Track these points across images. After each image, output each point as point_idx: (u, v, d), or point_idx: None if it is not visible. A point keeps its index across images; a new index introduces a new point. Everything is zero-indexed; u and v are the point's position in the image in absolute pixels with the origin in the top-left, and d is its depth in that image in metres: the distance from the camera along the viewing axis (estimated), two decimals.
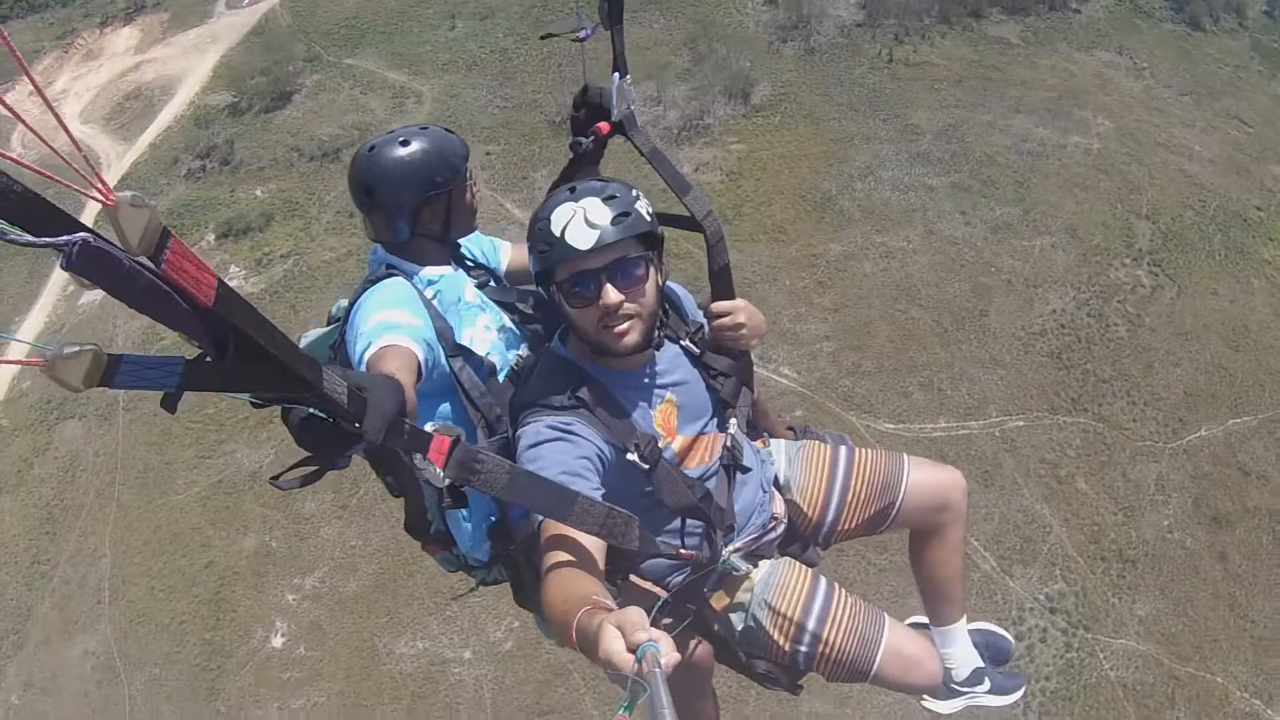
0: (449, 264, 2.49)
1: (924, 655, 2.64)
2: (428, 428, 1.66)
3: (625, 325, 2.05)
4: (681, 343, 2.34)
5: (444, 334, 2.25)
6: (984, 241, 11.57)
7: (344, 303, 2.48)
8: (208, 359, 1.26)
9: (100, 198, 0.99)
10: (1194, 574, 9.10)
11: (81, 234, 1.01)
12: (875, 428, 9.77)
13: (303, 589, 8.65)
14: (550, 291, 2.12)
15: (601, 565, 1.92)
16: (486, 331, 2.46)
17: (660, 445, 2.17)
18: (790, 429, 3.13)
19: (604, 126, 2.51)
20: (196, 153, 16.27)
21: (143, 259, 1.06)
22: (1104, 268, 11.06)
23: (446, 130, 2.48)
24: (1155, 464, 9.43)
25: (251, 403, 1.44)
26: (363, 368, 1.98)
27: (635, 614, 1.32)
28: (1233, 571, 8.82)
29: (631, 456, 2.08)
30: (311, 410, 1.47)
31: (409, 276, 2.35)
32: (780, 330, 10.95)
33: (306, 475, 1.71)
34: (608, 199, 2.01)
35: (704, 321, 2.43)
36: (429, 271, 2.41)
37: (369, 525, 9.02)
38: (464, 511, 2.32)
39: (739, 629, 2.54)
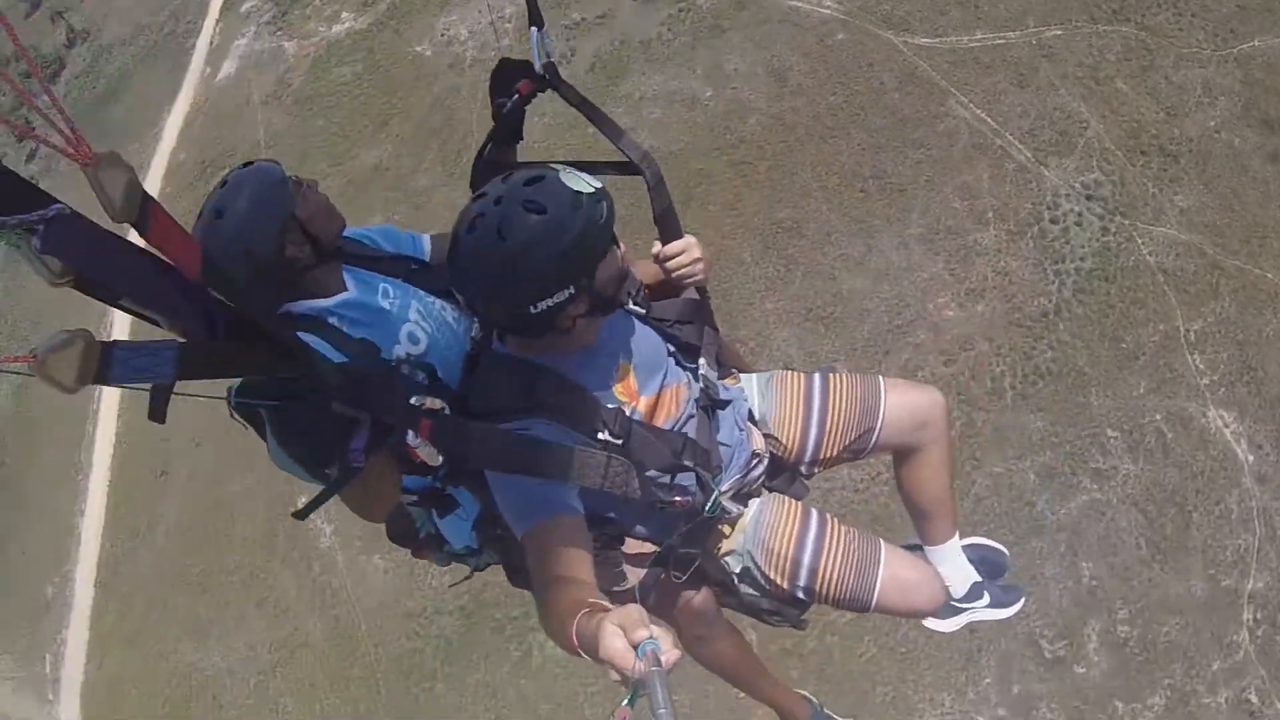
0: (347, 281, 2.31)
1: (923, 580, 2.60)
2: (413, 401, 1.66)
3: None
4: (628, 309, 2.25)
5: (372, 362, 2.15)
6: None
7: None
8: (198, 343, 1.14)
9: (73, 153, 0.90)
10: (1242, 172, 8.20)
11: (55, 205, 0.93)
12: (915, 43, 8.74)
13: None
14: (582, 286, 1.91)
15: (591, 569, 1.88)
16: (420, 322, 2.36)
17: (628, 413, 2.10)
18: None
19: (525, 84, 2.38)
20: None
21: (125, 229, 0.96)
22: None
23: (244, 164, 2.27)
24: (1202, 69, 8.47)
25: (235, 407, 1.59)
26: None
27: (635, 611, 1.32)
28: None
29: (604, 435, 2.01)
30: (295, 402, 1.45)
31: (318, 316, 2.21)
32: None
33: (327, 491, 1.70)
34: (570, 174, 1.93)
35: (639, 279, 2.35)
36: (340, 301, 2.26)
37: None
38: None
39: (736, 571, 2.51)
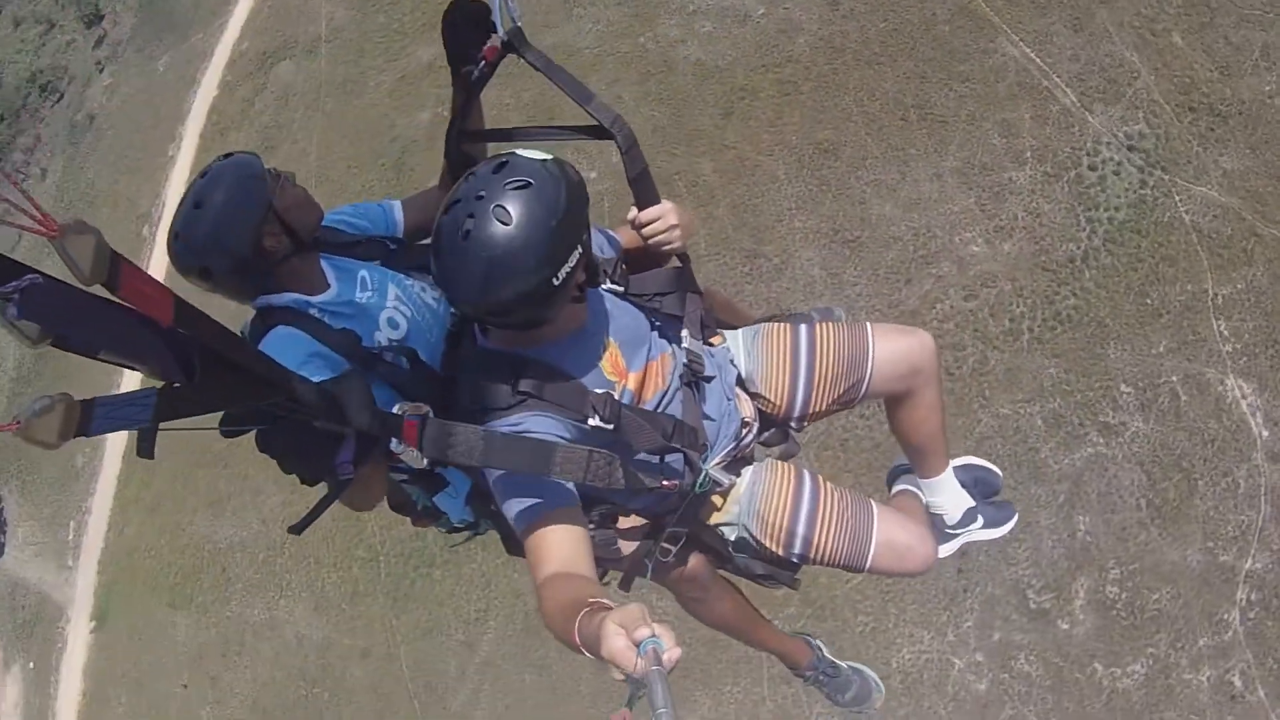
0: (327, 272, 2.31)
1: (915, 541, 2.57)
2: (394, 409, 1.65)
3: None
4: (604, 287, 2.21)
5: (354, 353, 2.16)
6: None
7: (244, 325, 2.36)
8: (176, 385, 1.19)
9: (41, 229, 0.91)
10: None
11: (29, 275, 0.94)
12: None
13: None
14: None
15: (591, 563, 1.89)
16: (399, 305, 2.35)
17: (617, 394, 2.08)
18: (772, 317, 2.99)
19: (491, 50, 2.28)
20: None
21: (97, 288, 0.98)
22: None
23: (223, 156, 2.25)
24: (1263, 33, 8.09)
25: (222, 432, 1.57)
26: None
27: (636, 610, 1.31)
28: None
29: (594, 421, 1.98)
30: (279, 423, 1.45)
31: (299, 309, 2.22)
32: None
33: (321, 503, 1.79)
34: (522, 151, 1.93)
35: (616, 254, 2.33)
36: (323, 298, 2.26)
37: (521, 85, 8.97)
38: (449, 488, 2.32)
39: (732, 540, 2.50)
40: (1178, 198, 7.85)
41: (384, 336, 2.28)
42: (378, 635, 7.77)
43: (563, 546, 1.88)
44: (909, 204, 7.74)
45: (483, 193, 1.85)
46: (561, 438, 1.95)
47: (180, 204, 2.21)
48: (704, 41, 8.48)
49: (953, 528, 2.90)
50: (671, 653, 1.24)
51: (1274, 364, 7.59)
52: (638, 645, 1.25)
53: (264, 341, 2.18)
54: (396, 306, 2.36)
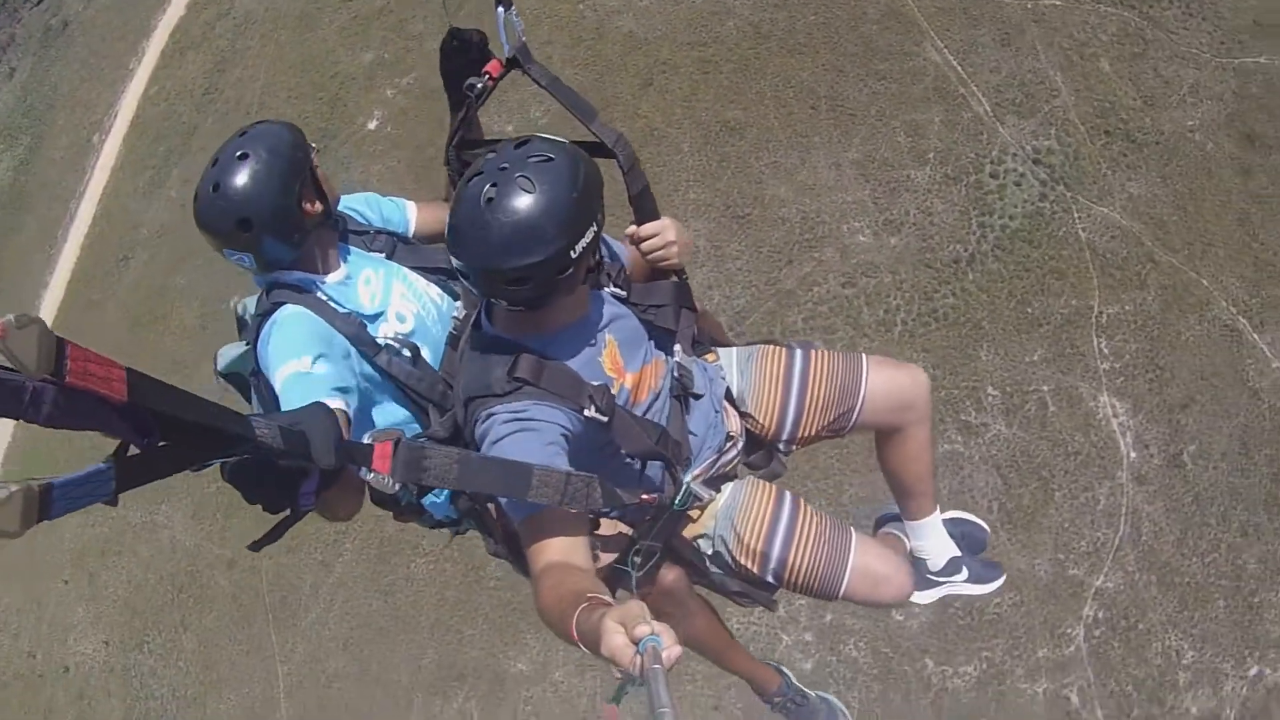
0: (343, 259, 2.32)
1: (891, 572, 2.59)
2: (365, 438, 1.66)
3: None
4: (607, 290, 2.26)
5: (360, 339, 2.18)
6: None
7: (249, 304, 2.40)
8: (135, 450, 1.21)
9: None
10: (1207, 175, 7.87)
11: None
12: None
13: (399, 85, 9.79)
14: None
15: (588, 556, 1.91)
16: (405, 301, 2.35)
17: (614, 391, 2.11)
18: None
19: (495, 66, 2.37)
20: None
21: (44, 377, 0.98)
22: None
23: (258, 122, 2.30)
24: (1195, 70, 8.13)
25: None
26: None
27: (636, 607, 1.33)
28: (1254, 190, 7.58)
29: (590, 412, 2.01)
30: (243, 459, 1.39)
31: (307, 288, 2.21)
32: None
33: (281, 525, 1.77)
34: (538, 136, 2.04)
35: (624, 262, 2.37)
36: (332, 280, 2.27)
37: None
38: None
39: (708, 554, 2.52)
40: (1077, 215, 7.86)
41: (391, 328, 2.29)
42: (244, 548, 7.98)
43: (562, 539, 1.87)
44: (803, 188, 7.85)
45: (505, 165, 1.91)
46: (563, 427, 1.98)
47: (215, 161, 2.19)
48: (639, 14, 8.73)
49: (935, 574, 2.89)
50: (671, 651, 1.23)
51: (1152, 388, 7.52)
52: (637, 643, 1.24)
53: (273, 319, 2.18)
54: (403, 300, 2.36)
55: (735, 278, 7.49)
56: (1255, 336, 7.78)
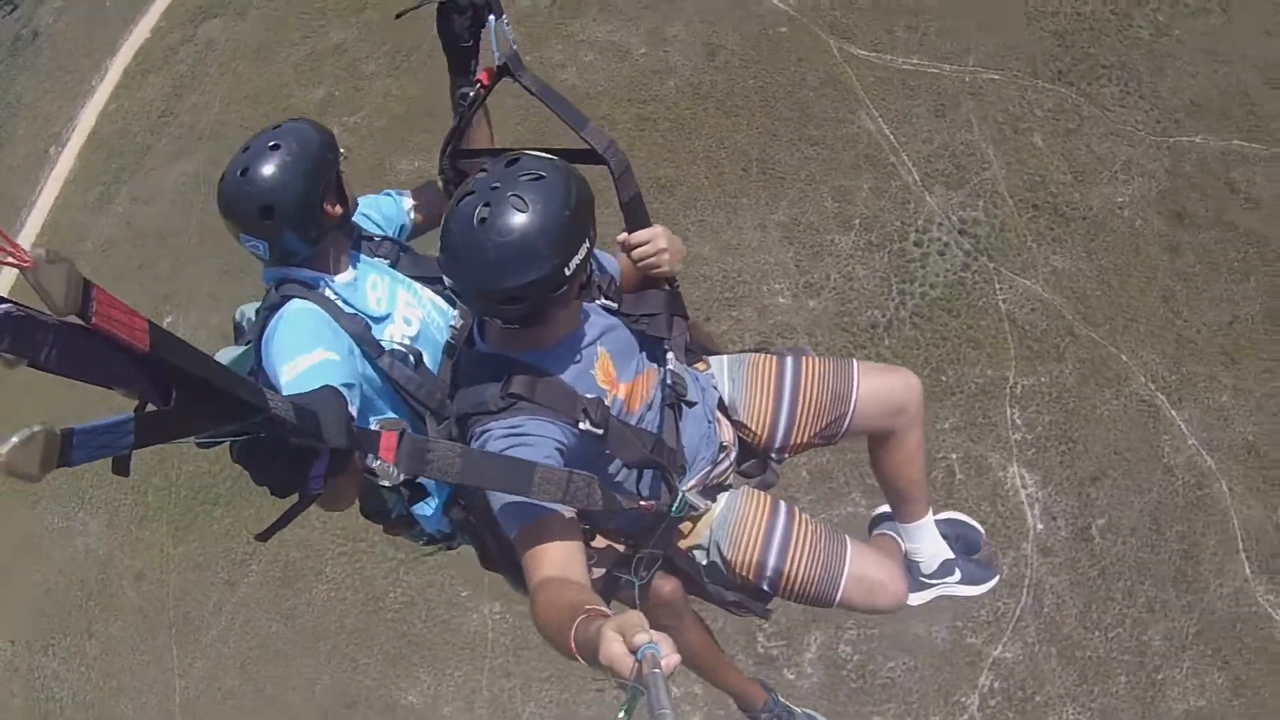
0: (353, 263, 2.35)
1: (887, 579, 2.60)
2: (372, 424, 1.66)
3: None
4: (598, 302, 2.29)
5: (364, 339, 2.19)
6: None
7: (249, 312, 2.43)
8: (153, 408, 1.21)
9: (14, 261, 0.92)
10: (1134, 252, 7.99)
11: (3, 305, 0.96)
12: (850, 51, 8.81)
13: (346, 123, 10.08)
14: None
15: (585, 568, 1.90)
16: (409, 308, 2.37)
17: (608, 403, 2.12)
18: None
19: (485, 75, 2.39)
20: None
21: (71, 317, 1.00)
22: None
23: (293, 120, 2.34)
24: (1129, 148, 8.29)
25: (197, 444, 1.50)
26: None
27: (634, 617, 1.36)
28: (1180, 268, 7.70)
29: (585, 425, 2.03)
30: (255, 437, 1.39)
31: (316, 285, 2.24)
32: None
33: (290, 512, 1.69)
34: (528, 154, 2.06)
35: (613, 274, 2.38)
36: (342, 280, 2.30)
37: (409, 82, 10.17)
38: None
39: (703, 565, 2.53)
40: (998, 286, 7.97)
41: (398, 331, 2.31)
42: (154, 560, 8.17)
43: (557, 552, 1.88)
44: (727, 248, 8.02)
45: (497, 184, 1.92)
46: (558, 441, 2.00)
47: (246, 148, 2.22)
48: (583, 69, 9.02)
49: (928, 576, 2.89)
50: (669, 659, 1.25)
51: (1064, 460, 7.57)
52: (635, 652, 1.25)
53: (280, 313, 2.19)
54: (409, 307, 2.38)
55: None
56: (1173, 413, 7.82)
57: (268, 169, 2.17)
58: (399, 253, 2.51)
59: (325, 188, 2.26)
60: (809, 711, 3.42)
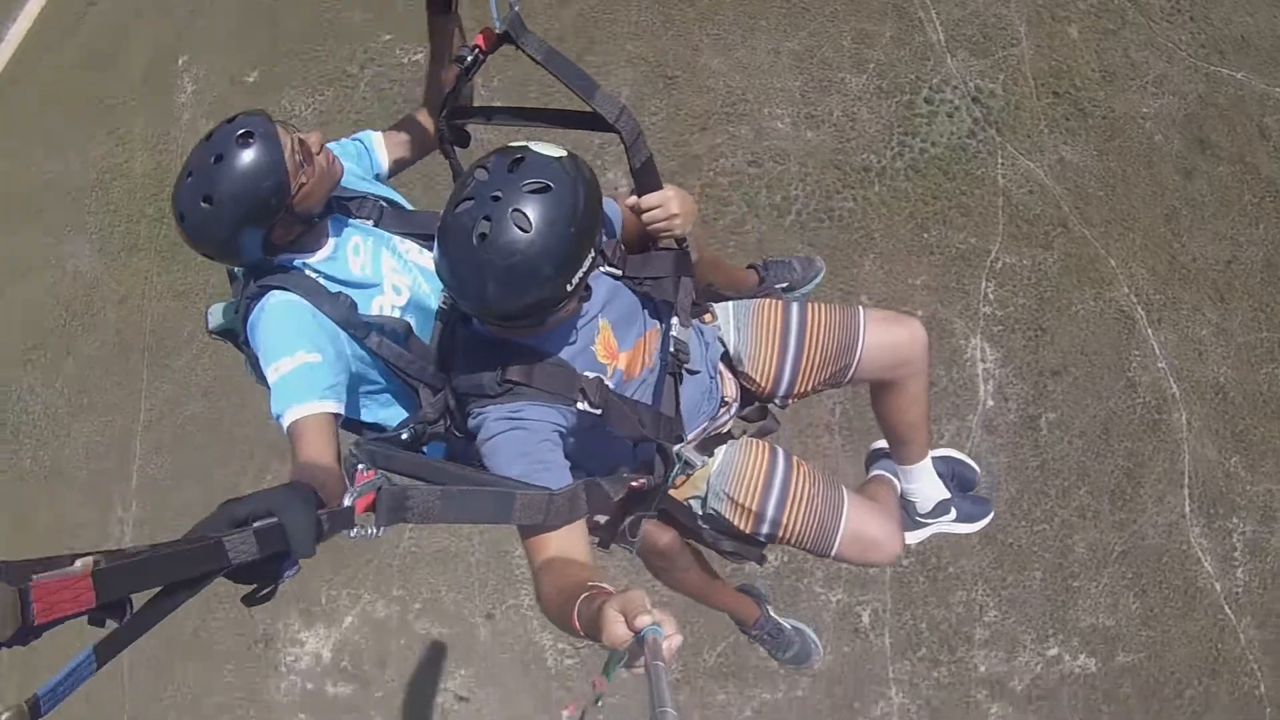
0: (332, 229, 2.25)
1: (883, 537, 2.62)
2: (345, 500, 1.61)
3: None
4: (600, 269, 2.24)
5: (349, 322, 2.14)
6: None
7: (218, 314, 2.41)
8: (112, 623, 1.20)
9: None
10: (1147, 165, 7.68)
11: None
12: None
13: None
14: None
15: (588, 547, 1.94)
16: (396, 274, 2.31)
17: (608, 376, 2.15)
18: (752, 267, 3.26)
19: (482, 39, 2.26)
20: None
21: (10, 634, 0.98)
22: None
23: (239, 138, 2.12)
24: (1166, 64, 7.92)
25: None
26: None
27: (637, 596, 1.33)
28: (1190, 193, 7.39)
29: (583, 405, 2.05)
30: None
31: (301, 270, 2.17)
32: None
33: (268, 593, 1.64)
34: (536, 147, 1.94)
35: (616, 230, 2.35)
36: (320, 256, 2.23)
37: None
38: None
39: (700, 514, 2.56)
40: (1000, 161, 7.66)
41: (388, 301, 2.27)
42: (137, 286, 7.88)
43: (559, 533, 1.90)
44: (737, 65, 7.65)
45: (499, 194, 1.82)
46: (555, 424, 2.00)
47: (189, 175, 2.12)
48: None
49: (923, 516, 2.96)
50: (672, 640, 1.25)
51: (1028, 346, 7.33)
52: (638, 633, 1.25)
53: (261, 305, 2.15)
54: (394, 273, 2.33)
55: (647, 134, 7.25)
56: (1149, 331, 7.58)
57: (197, 220, 2.08)
58: (382, 210, 2.40)
59: (272, 222, 2.13)
60: (797, 624, 3.48)
